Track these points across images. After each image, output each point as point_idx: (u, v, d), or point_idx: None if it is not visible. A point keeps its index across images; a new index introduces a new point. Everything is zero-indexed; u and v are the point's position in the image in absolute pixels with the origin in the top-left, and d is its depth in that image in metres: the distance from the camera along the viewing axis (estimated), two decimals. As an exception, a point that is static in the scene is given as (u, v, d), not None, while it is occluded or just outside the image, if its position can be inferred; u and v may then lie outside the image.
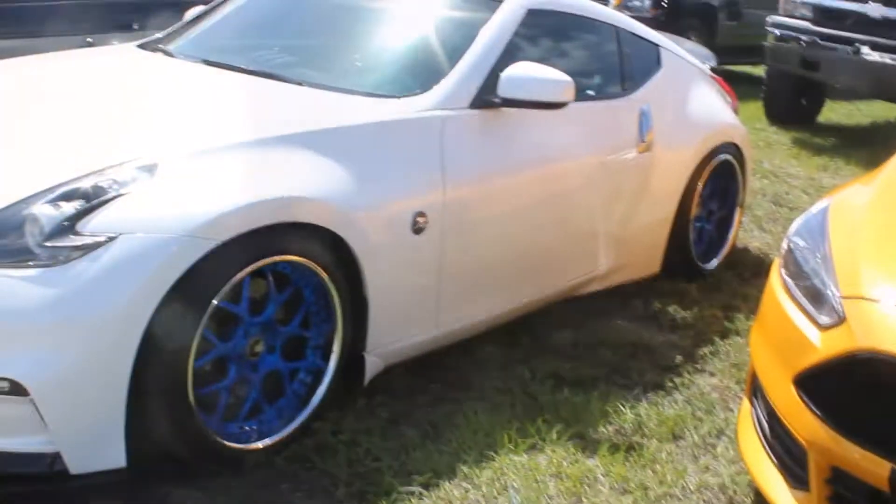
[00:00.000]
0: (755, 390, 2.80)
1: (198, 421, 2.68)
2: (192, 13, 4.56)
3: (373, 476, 2.84)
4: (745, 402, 2.93)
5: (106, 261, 2.48)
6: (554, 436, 3.12)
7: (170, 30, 4.40)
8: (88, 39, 6.13)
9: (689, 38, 7.66)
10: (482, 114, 3.50)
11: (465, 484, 2.85)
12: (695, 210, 4.68)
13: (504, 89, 3.45)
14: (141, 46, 4.20)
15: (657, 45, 4.68)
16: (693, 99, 4.75)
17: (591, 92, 4.26)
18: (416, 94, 3.40)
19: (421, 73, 3.55)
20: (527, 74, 3.46)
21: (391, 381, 3.37)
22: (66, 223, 2.53)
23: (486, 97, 3.50)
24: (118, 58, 4.11)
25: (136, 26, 6.38)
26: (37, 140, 2.98)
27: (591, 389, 3.51)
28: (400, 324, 3.22)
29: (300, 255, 2.83)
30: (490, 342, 3.77)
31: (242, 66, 3.65)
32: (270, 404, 2.96)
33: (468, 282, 3.44)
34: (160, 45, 4.15)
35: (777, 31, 8.90)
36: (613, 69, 4.40)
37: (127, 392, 2.53)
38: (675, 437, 3.26)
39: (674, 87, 4.66)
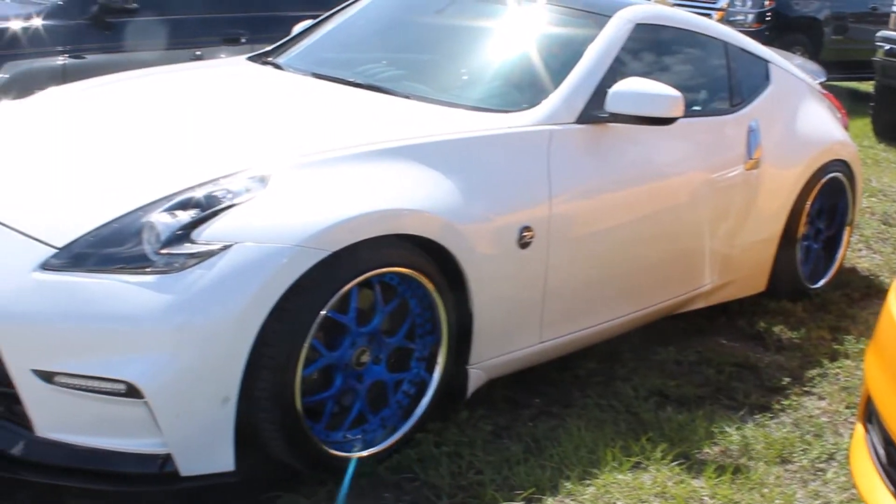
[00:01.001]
0: (870, 415, 2.71)
1: (305, 428, 2.72)
2: (300, 27, 4.65)
3: (475, 489, 2.83)
4: (859, 428, 2.84)
5: (220, 269, 2.54)
6: (658, 455, 3.08)
7: (278, 43, 4.48)
8: (197, 52, 6.30)
9: (793, 53, 7.53)
10: (589, 129, 3.48)
11: (568, 500, 2.83)
12: (802, 229, 4.57)
13: (613, 104, 3.43)
14: (251, 59, 4.29)
15: (766, 61, 4.59)
16: (802, 115, 4.65)
17: (698, 108, 4.20)
18: (523, 109, 3.40)
19: (528, 88, 3.56)
20: (636, 89, 3.43)
21: (493, 394, 3.37)
22: (181, 231, 2.60)
23: (593, 112, 3.49)
24: (229, 70, 4.21)
25: (244, 40, 6.52)
26: (152, 150, 3.06)
27: (695, 409, 3.46)
28: (504, 337, 3.22)
29: (407, 267, 2.86)
30: (592, 358, 3.74)
31: (351, 80, 3.71)
32: (374, 414, 2.98)
33: (572, 297, 3.42)
34: (269, 58, 4.24)
35: (887, 46, 8.67)
36: (721, 85, 4.33)
37: (237, 397, 2.58)
38: (783, 461, 3.19)
39: (783, 104, 4.57)
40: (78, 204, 2.77)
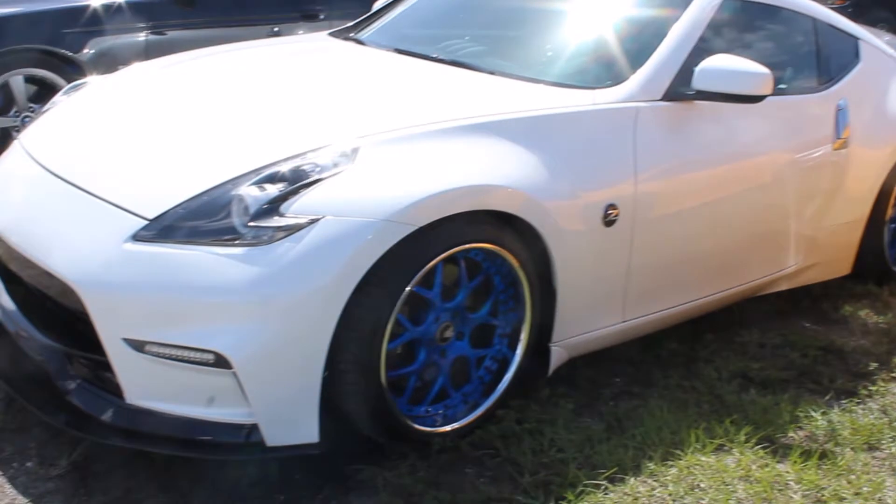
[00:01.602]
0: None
1: (389, 402, 2.73)
2: (380, 3, 4.65)
3: (558, 467, 2.83)
4: (953, 414, 2.77)
5: (308, 242, 2.54)
6: (742, 437, 3.04)
7: (359, 19, 4.49)
8: (275, 29, 6.34)
9: (879, 30, 7.33)
10: (675, 106, 3.42)
11: (651, 481, 2.81)
12: (890, 211, 4.46)
13: (700, 81, 3.36)
14: (332, 35, 4.30)
15: (856, 38, 4.47)
16: (893, 94, 4.52)
17: (784, 86, 4.11)
18: (608, 86, 3.36)
19: (614, 65, 3.50)
20: (724, 66, 3.35)
21: (574, 372, 3.36)
22: (270, 204, 2.61)
23: (680, 89, 3.42)
24: (313, 46, 4.23)
25: (322, 16, 6.55)
26: (240, 124, 3.08)
27: (779, 392, 3.40)
28: (586, 316, 3.20)
29: (492, 243, 2.85)
30: (674, 338, 3.71)
31: (434, 56, 3.70)
32: (456, 390, 2.99)
33: (655, 276, 3.38)
34: (351, 34, 4.25)
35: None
36: (809, 62, 4.23)
37: (323, 370, 2.60)
38: (871, 448, 3.12)
39: (873, 82, 4.45)
40: (168, 177, 2.82)
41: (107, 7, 5.85)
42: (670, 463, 2.89)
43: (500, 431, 2.96)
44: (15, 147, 3.37)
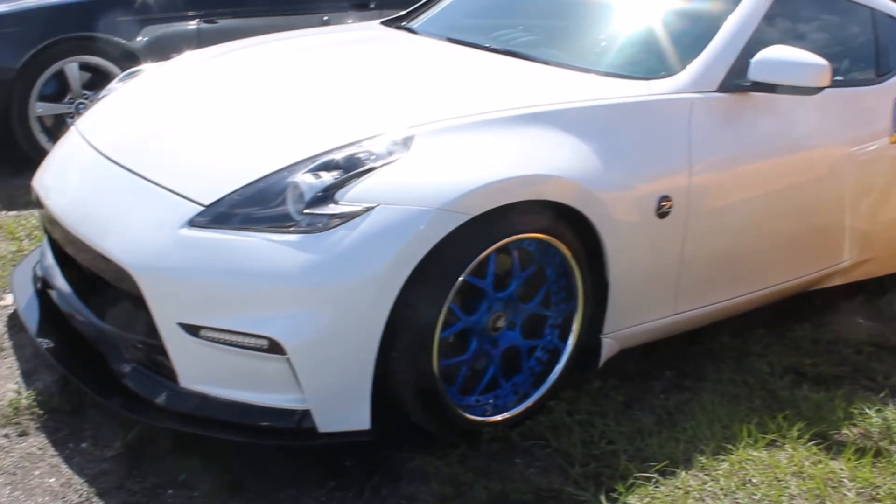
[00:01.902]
0: None
1: (441, 390, 2.74)
2: (432, -8, 4.64)
3: (608, 459, 2.82)
4: None
5: (363, 230, 2.55)
6: (795, 433, 3.00)
7: (411, 8, 4.49)
8: (325, 18, 6.36)
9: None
10: (730, 98, 3.38)
11: (702, 475, 2.79)
12: (948, 206, 4.38)
13: (756, 73, 3.31)
14: (384, 24, 4.30)
15: (916, 30, 4.39)
16: (953, 87, 4.44)
17: (841, 78, 4.04)
18: (663, 76, 3.32)
19: (669, 55, 3.47)
20: (781, 57, 3.31)
21: (624, 364, 3.34)
22: (325, 192, 2.61)
23: (735, 81, 3.38)
24: (365, 35, 4.23)
25: (372, 5, 6.56)
26: (295, 112, 3.10)
27: (833, 388, 3.36)
28: (638, 307, 3.18)
29: (546, 233, 2.84)
30: (725, 332, 3.67)
31: (487, 45, 3.69)
32: (507, 380, 2.98)
33: (708, 269, 3.35)
34: (403, 23, 4.25)
35: None
36: (867, 54, 4.16)
37: (375, 358, 2.60)
38: (927, 447, 3.08)
39: (933, 75, 4.37)
40: (223, 163, 2.84)
41: (160, -5, 5.91)
42: (722, 457, 2.87)
43: (551, 422, 2.95)
44: (72, 133, 3.42)
